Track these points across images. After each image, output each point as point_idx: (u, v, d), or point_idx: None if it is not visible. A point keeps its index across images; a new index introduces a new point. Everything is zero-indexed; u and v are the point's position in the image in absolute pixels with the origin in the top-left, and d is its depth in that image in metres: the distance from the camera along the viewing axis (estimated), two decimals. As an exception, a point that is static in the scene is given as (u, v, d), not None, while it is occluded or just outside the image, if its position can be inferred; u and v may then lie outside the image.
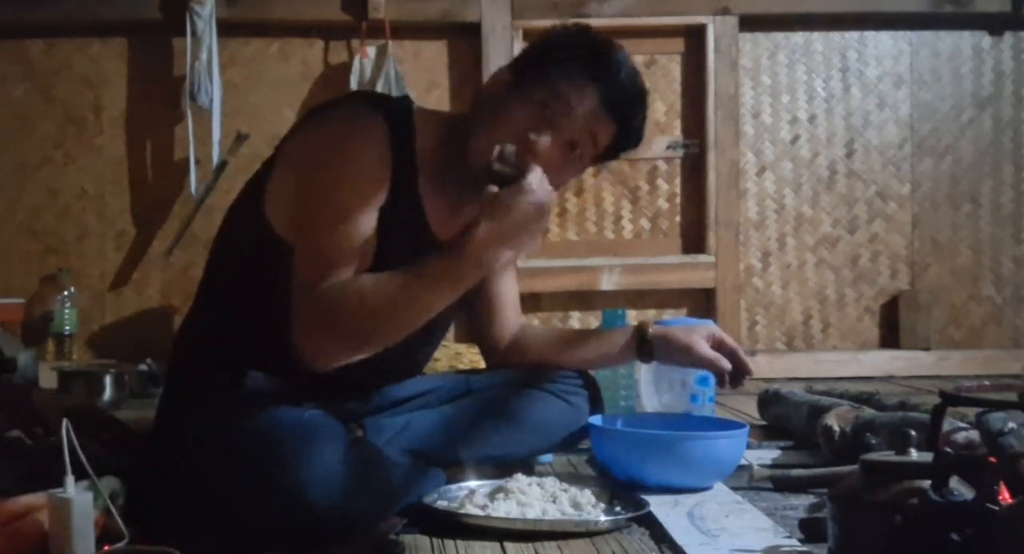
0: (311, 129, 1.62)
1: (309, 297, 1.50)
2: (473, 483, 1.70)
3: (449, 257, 1.52)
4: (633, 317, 3.64)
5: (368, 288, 1.51)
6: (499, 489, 1.64)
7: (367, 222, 1.55)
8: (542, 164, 1.58)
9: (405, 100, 1.73)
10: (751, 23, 3.89)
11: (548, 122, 1.61)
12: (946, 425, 1.67)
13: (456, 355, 2.96)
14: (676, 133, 3.95)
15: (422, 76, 3.87)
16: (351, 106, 1.64)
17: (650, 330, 1.93)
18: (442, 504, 1.60)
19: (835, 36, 3.96)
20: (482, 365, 2.11)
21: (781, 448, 2.21)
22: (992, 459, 1.26)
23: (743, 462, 1.91)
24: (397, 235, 1.60)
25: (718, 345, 1.90)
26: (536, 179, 1.53)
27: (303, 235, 1.55)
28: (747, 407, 2.77)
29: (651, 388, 2.21)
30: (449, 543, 1.50)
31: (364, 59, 3.74)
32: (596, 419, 1.94)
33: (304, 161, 1.59)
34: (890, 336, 3.95)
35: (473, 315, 1.96)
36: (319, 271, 1.51)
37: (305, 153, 1.60)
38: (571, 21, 1.74)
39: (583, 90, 1.62)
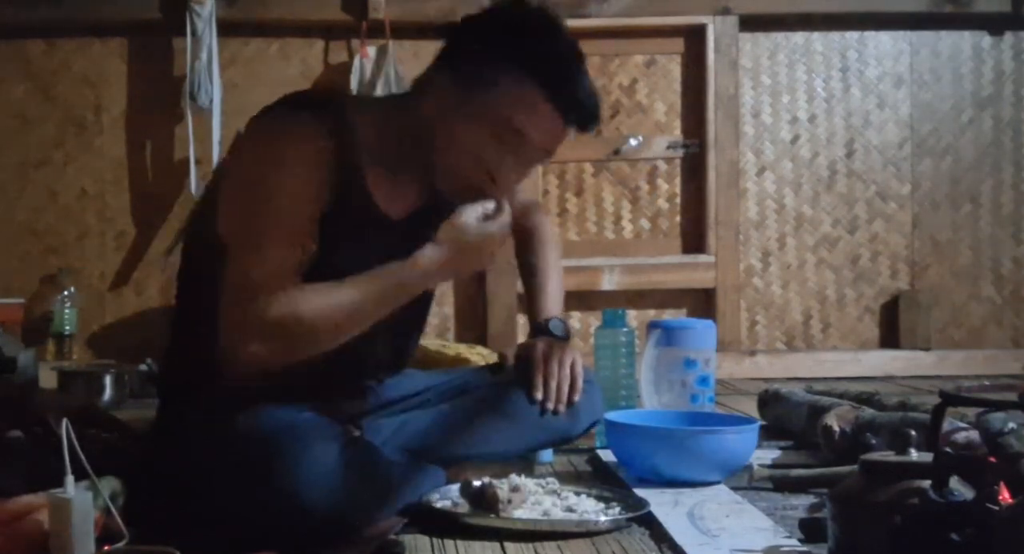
0: (249, 137, 1.60)
1: (240, 303, 1.48)
2: (473, 483, 1.70)
3: (397, 267, 1.53)
4: (633, 317, 3.66)
5: (309, 296, 1.49)
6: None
7: (303, 226, 1.53)
8: (504, 188, 1.61)
9: (335, 96, 1.69)
10: (751, 23, 3.89)
11: (507, 149, 1.59)
12: (946, 425, 1.67)
13: (456, 356, 2.96)
14: (676, 133, 3.95)
15: (422, 76, 3.86)
16: (284, 112, 1.59)
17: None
18: (442, 504, 1.60)
19: (835, 36, 3.96)
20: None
21: (781, 448, 2.21)
22: (992, 459, 1.27)
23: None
24: (352, 231, 1.58)
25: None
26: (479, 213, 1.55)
27: (238, 244, 1.52)
28: (747, 407, 2.77)
29: (651, 388, 2.21)
30: (449, 543, 1.50)
31: (364, 59, 3.74)
32: (612, 415, 1.96)
33: (241, 170, 1.58)
34: (890, 336, 3.95)
35: None
36: (254, 279, 1.48)
37: (242, 161, 1.59)
38: None
39: (538, 110, 1.57)
